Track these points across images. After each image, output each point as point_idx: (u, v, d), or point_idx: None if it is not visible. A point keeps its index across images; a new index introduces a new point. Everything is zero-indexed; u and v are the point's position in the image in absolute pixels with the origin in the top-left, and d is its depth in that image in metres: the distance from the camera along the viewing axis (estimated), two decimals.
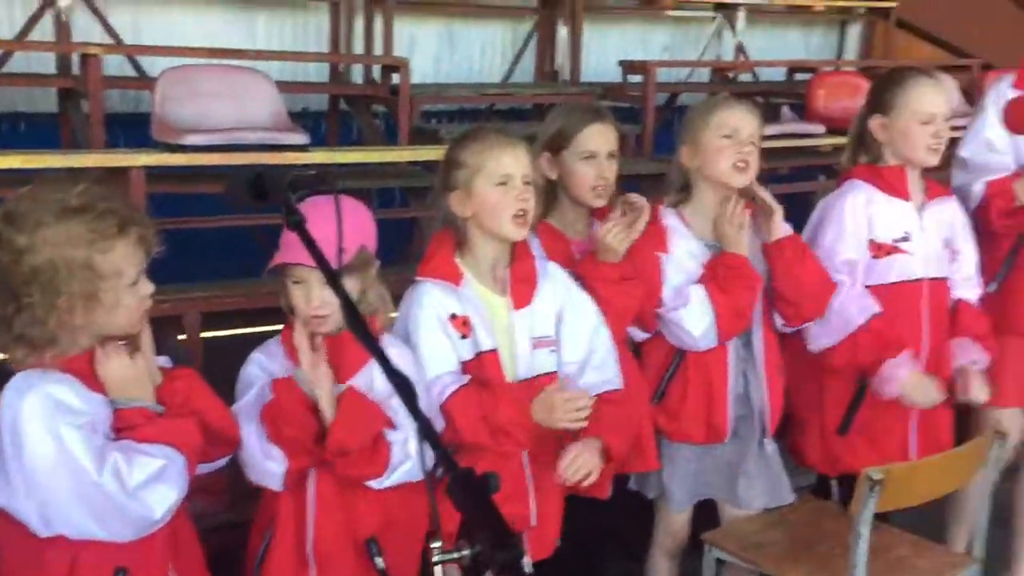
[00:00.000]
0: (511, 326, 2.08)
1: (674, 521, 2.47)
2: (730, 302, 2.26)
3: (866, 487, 2.01)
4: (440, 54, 5.65)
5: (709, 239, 2.35)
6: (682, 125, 2.40)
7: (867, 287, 2.45)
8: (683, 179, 2.37)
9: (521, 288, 2.10)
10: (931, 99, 2.39)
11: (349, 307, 1.24)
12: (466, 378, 2.02)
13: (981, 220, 2.51)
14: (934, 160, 2.43)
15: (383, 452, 1.83)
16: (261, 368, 1.93)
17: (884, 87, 2.46)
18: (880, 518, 2.15)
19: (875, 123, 2.44)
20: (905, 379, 2.34)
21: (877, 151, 2.47)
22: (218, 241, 4.10)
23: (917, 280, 2.45)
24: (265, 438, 1.82)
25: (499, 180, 2.01)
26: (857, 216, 2.43)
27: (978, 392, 2.46)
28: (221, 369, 2.02)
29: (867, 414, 2.47)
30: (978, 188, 2.49)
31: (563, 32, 5.61)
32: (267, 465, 1.83)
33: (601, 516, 2.38)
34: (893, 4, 6.47)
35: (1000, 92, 2.52)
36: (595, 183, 2.27)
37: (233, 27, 5.01)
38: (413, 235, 4.12)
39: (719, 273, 2.29)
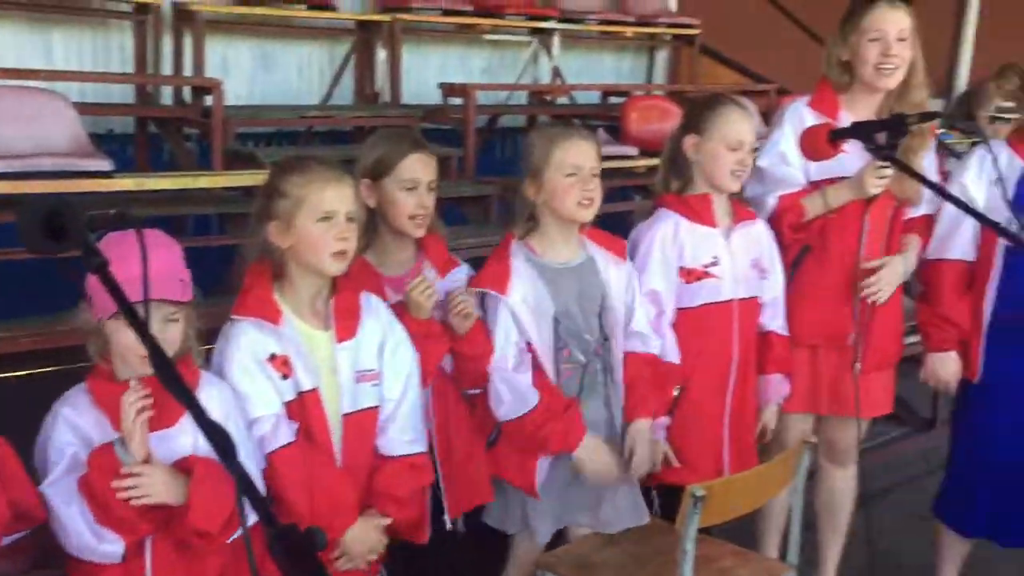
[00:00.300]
0: (334, 360, 2.03)
1: (531, 552, 2.46)
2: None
3: (690, 504, 2.07)
4: (255, 75, 5.50)
5: (557, 262, 2.36)
6: (523, 156, 2.37)
7: (680, 310, 2.54)
8: (529, 210, 2.36)
9: (345, 321, 2.04)
10: (740, 127, 2.49)
11: (158, 358, 1.16)
12: (293, 430, 1.97)
13: (773, 232, 2.63)
14: (736, 186, 2.53)
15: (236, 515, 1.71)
16: (71, 428, 1.78)
17: (699, 110, 2.56)
18: (703, 530, 2.22)
19: (688, 142, 2.53)
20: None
21: (688, 173, 2.56)
22: (13, 274, 3.81)
23: (727, 301, 2.54)
24: (93, 520, 1.68)
25: (322, 216, 1.96)
26: (666, 246, 2.52)
27: (772, 423, 2.66)
28: (10, 416, 1.81)
29: (679, 430, 2.54)
30: (772, 201, 2.60)
31: (382, 54, 5.58)
32: (102, 548, 1.70)
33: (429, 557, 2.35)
34: (697, 32, 6.80)
35: (797, 111, 2.63)
36: (415, 212, 2.25)
37: (26, 45, 4.69)
38: (232, 263, 3.96)
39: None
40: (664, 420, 2.52)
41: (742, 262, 2.55)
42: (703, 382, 2.55)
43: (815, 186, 2.59)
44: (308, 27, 5.63)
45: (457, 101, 5.31)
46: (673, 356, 2.52)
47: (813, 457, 2.43)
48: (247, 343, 1.96)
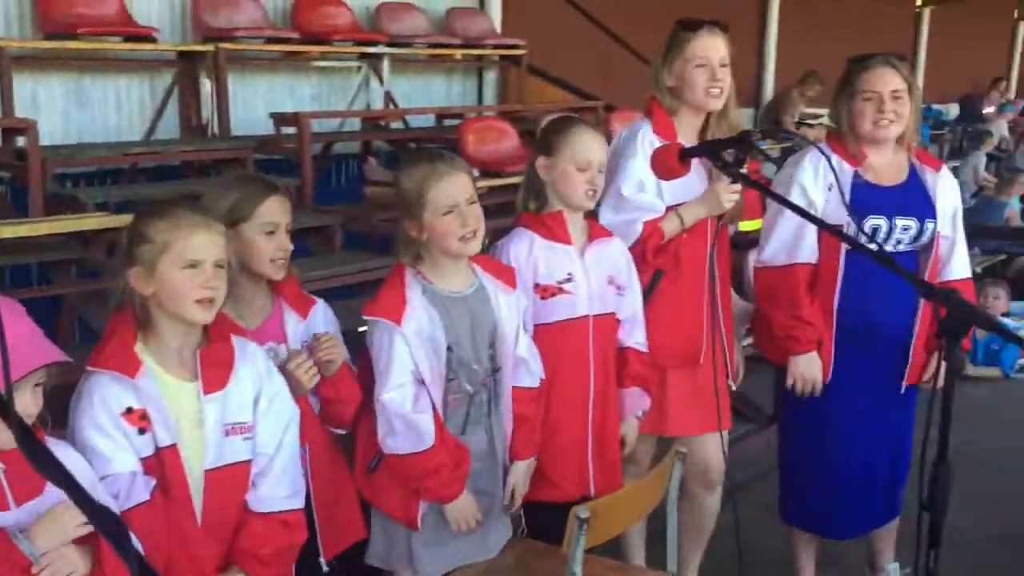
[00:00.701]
0: (201, 413, 1.93)
1: None
2: None
3: (575, 526, 2.09)
4: (68, 111, 5.20)
5: (451, 291, 2.34)
6: (398, 196, 2.34)
7: (537, 326, 2.56)
8: (414, 245, 2.33)
9: (213, 371, 1.96)
10: (588, 148, 2.53)
11: (27, 442, 1.05)
12: (149, 488, 1.88)
13: (638, 257, 2.68)
14: (589, 204, 2.59)
15: None
16: None
17: (549, 132, 2.60)
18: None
19: (540, 163, 2.57)
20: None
21: (544, 194, 2.60)
22: None
23: (583, 317, 2.58)
24: None
25: (187, 263, 1.88)
26: (521, 263, 2.53)
27: (632, 436, 2.71)
28: None
29: (543, 446, 2.55)
30: (639, 228, 2.66)
31: (207, 85, 5.38)
32: None
33: None
34: (523, 52, 6.93)
35: (645, 137, 2.70)
36: (275, 256, 2.20)
37: None
38: (60, 315, 3.72)
39: None
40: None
41: (597, 279, 2.60)
42: (563, 398, 2.58)
43: (669, 210, 2.67)
44: (125, 59, 5.36)
45: (290, 130, 5.19)
46: (541, 373, 2.54)
47: (684, 468, 2.49)
48: (101, 398, 1.87)
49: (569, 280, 2.56)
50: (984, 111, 12.83)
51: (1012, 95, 14.56)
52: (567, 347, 2.57)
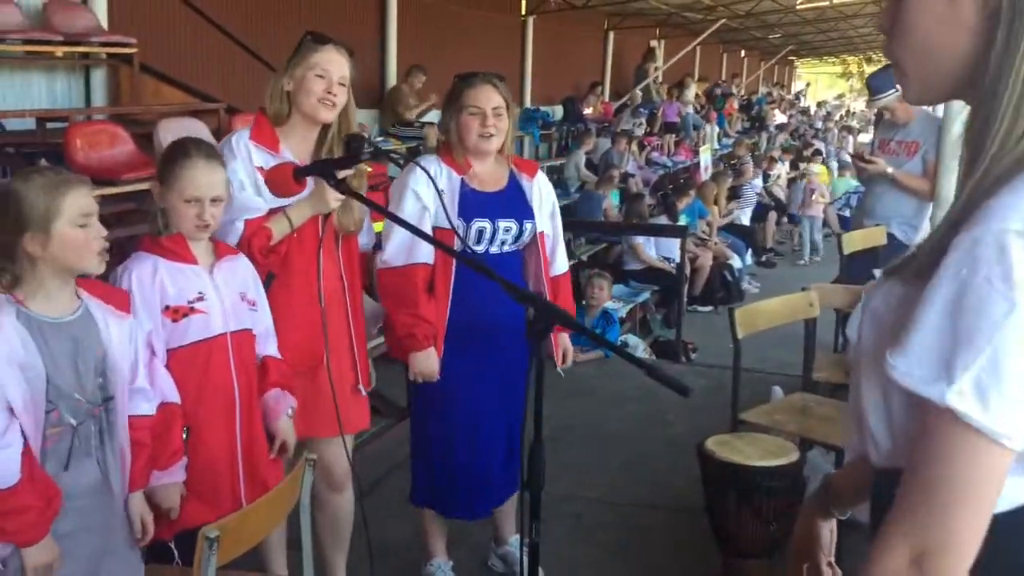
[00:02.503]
0: None
1: None
2: None
3: (205, 546, 2.09)
4: None
5: (50, 317, 2.19)
6: (17, 210, 2.14)
7: (173, 349, 2.52)
8: (17, 262, 2.16)
9: None
10: (196, 182, 2.50)
11: None
12: None
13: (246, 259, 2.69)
14: (201, 236, 2.55)
15: None
16: None
17: (164, 159, 2.58)
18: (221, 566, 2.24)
19: (154, 189, 2.56)
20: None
21: (165, 218, 2.56)
22: None
23: (220, 335, 2.58)
24: None
25: None
26: (144, 286, 2.48)
27: (291, 437, 2.73)
28: None
29: (193, 470, 2.54)
30: (239, 226, 2.68)
31: None
32: None
33: None
34: (134, 51, 6.56)
35: (242, 145, 2.73)
36: None
37: None
38: None
39: None
40: (181, 462, 2.49)
41: (229, 296, 2.61)
42: (208, 419, 2.56)
43: (277, 211, 2.72)
44: None
45: None
46: (172, 396, 2.50)
47: (314, 473, 2.57)
48: None
49: (201, 299, 2.54)
50: (583, 112, 14.20)
51: (606, 97, 16.25)
52: (208, 366, 2.55)
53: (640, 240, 9.04)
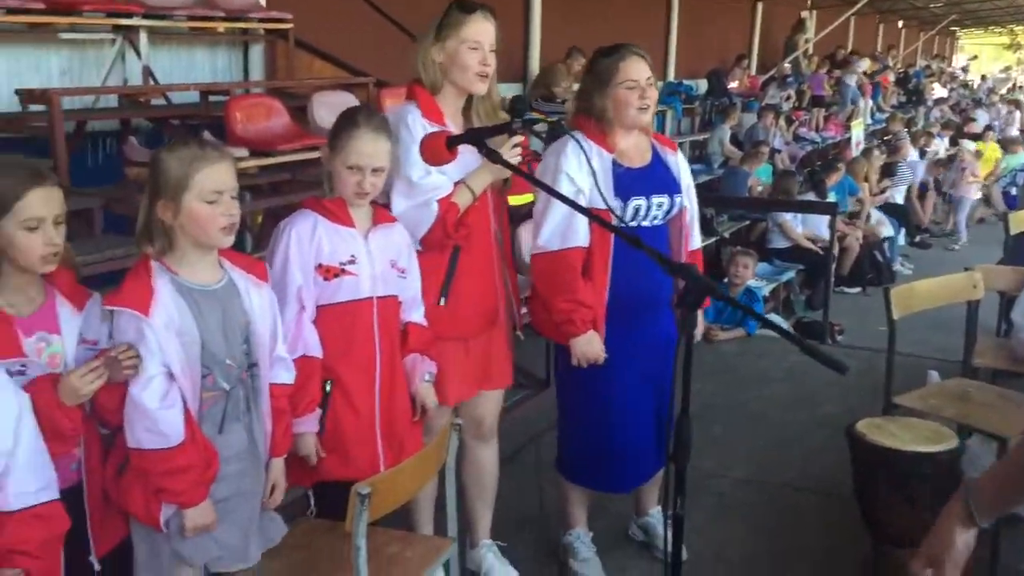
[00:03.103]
0: None
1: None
2: None
3: (357, 502, 2.16)
4: None
5: (199, 284, 2.29)
6: (154, 176, 2.26)
7: (322, 306, 2.60)
8: (164, 231, 2.27)
9: None
10: (360, 151, 2.57)
11: None
12: None
13: (440, 236, 2.73)
14: (360, 202, 2.63)
15: None
16: None
17: (336, 125, 2.63)
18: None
19: (323, 153, 2.64)
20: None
21: (331, 181, 2.65)
22: None
23: (367, 299, 2.65)
24: None
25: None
26: (303, 243, 2.56)
27: (430, 400, 2.79)
28: None
29: (332, 424, 2.63)
30: (434, 207, 2.71)
31: None
32: None
33: None
34: (290, 26, 6.78)
35: (417, 121, 2.75)
36: (44, 252, 2.09)
37: None
38: None
39: None
40: (315, 414, 2.58)
41: (381, 262, 2.67)
42: (351, 377, 2.64)
43: (456, 185, 2.76)
44: None
45: (38, 108, 4.86)
46: (315, 351, 2.58)
47: (460, 437, 2.62)
48: None
49: (353, 262, 2.61)
50: (729, 85, 13.84)
51: (753, 71, 15.79)
52: (353, 327, 2.63)
53: (788, 217, 8.76)
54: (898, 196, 11.71)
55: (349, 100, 5.79)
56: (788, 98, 14.22)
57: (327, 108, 5.62)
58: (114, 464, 2.28)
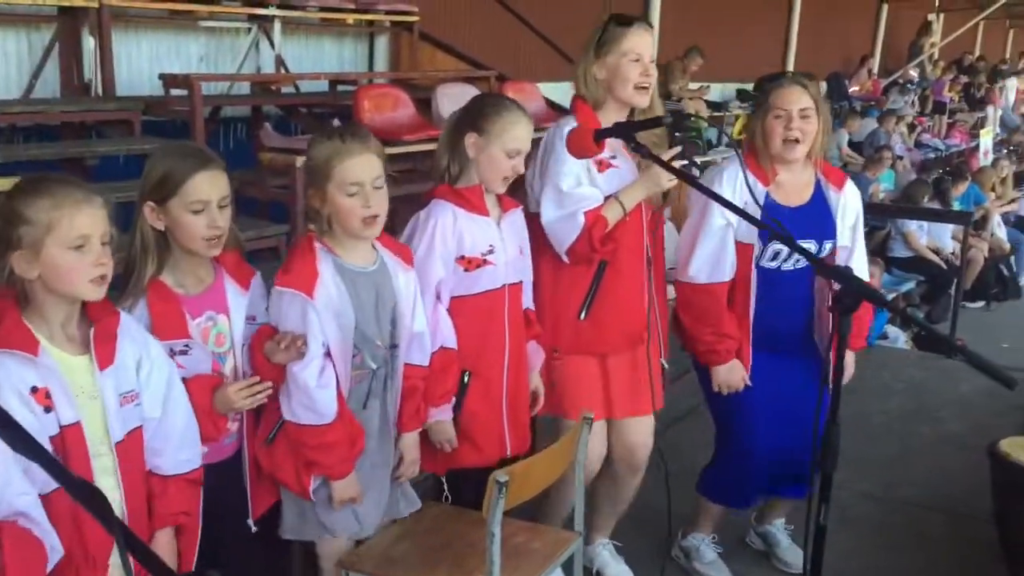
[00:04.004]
0: (96, 387, 1.91)
1: (338, 552, 2.48)
2: None
3: (495, 490, 2.18)
4: None
5: (358, 266, 2.35)
6: (307, 165, 2.34)
7: (459, 298, 2.62)
8: (319, 214, 2.34)
9: (105, 346, 1.93)
10: (521, 136, 2.59)
11: None
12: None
13: (585, 249, 2.70)
14: (503, 189, 2.65)
15: None
16: None
17: (483, 109, 2.63)
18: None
19: (469, 140, 2.60)
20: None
21: (463, 165, 2.64)
22: None
23: (501, 287, 2.66)
24: None
25: (75, 243, 1.83)
26: (446, 236, 2.58)
27: (541, 390, 2.83)
28: None
29: (467, 415, 2.66)
30: (580, 218, 2.68)
31: (90, 42, 5.17)
32: None
33: None
34: (415, 19, 6.88)
35: (563, 131, 2.67)
36: (208, 234, 2.16)
37: None
38: None
39: None
40: (451, 403, 2.61)
41: (511, 248, 2.69)
42: (486, 366, 2.67)
43: (607, 199, 2.71)
44: (1, 13, 5.10)
45: (179, 92, 5.05)
46: (451, 342, 2.60)
47: (590, 430, 2.61)
48: (6, 377, 1.80)
49: (492, 251, 2.63)
50: (850, 89, 13.47)
51: (876, 71, 15.32)
52: (490, 317, 2.65)
53: (913, 227, 8.48)
54: None
55: (472, 92, 5.81)
56: (912, 103, 13.76)
57: (452, 100, 5.68)
58: (264, 433, 2.37)
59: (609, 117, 2.78)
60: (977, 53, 18.43)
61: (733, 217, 2.84)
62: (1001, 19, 20.14)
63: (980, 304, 9.02)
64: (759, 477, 3.10)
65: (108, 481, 1.92)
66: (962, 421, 4.81)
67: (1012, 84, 16.58)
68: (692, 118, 2.85)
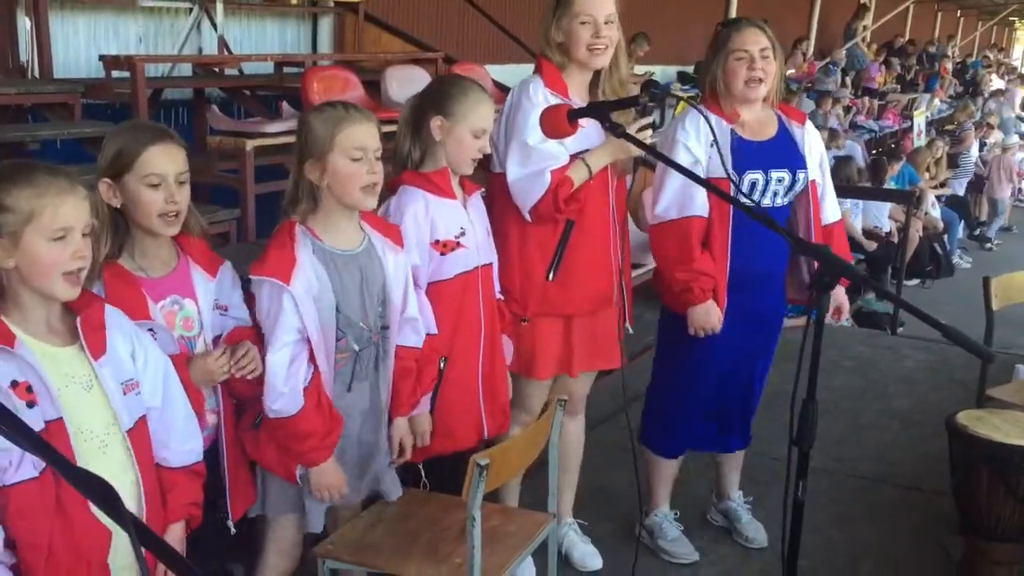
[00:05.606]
0: (93, 377, 1.85)
1: (294, 536, 2.47)
2: None
3: (475, 474, 2.16)
4: None
5: (341, 249, 2.32)
6: (302, 136, 2.29)
7: (435, 283, 2.60)
8: (311, 192, 2.30)
9: (95, 335, 1.87)
10: (486, 116, 2.58)
11: None
12: (37, 467, 1.76)
13: (550, 208, 2.67)
14: (470, 170, 2.63)
15: None
16: None
17: (447, 91, 2.60)
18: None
19: (435, 124, 2.57)
20: None
21: (431, 150, 2.62)
22: None
23: (473, 269, 2.65)
24: None
25: (56, 234, 1.76)
26: (419, 222, 2.55)
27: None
28: None
29: (443, 401, 2.64)
30: (546, 177, 2.66)
31: (25, 23, 4.99)
32: None
33: None
34: (361, 0, 6.79)
35: (539, 91, 2.71)
36: (164, 209, 2.10)
37: None
38: None
39: None
40: (427, 396, 2.59)
41: (480, 230, 2.67)
42: (460, 350, 2.65)
43: (573, 158, 2.70)
44: None
45: (119, 74, 4.90)
46: (432, 329, 2.59)
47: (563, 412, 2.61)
48: None
49: (463, 234, 2.61)
50: (787, 72, 13.65)
51: (810, 53, 15.55)
52: (463, 299, 2.64)
53: (848, 205, 8.64)
54: (959, 188, 11.52)
55: (421, 74, 5.78)
56: (838, 84, 14.01)
57: (400, 83, 5.62)
58: (249, 419, 2.34)
59: (573, 77, 2.78)
60: (908, 36, 18.83)
61: (702, 154, 2.88)
62: (930, 2, 20.64)
63: (916, 282, 9.25)
64: (707, 418, 3.15)
65: (127, 476, 1.88)
66: (908, 397, 4.92)
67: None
68: (670, 94, 2.82)
